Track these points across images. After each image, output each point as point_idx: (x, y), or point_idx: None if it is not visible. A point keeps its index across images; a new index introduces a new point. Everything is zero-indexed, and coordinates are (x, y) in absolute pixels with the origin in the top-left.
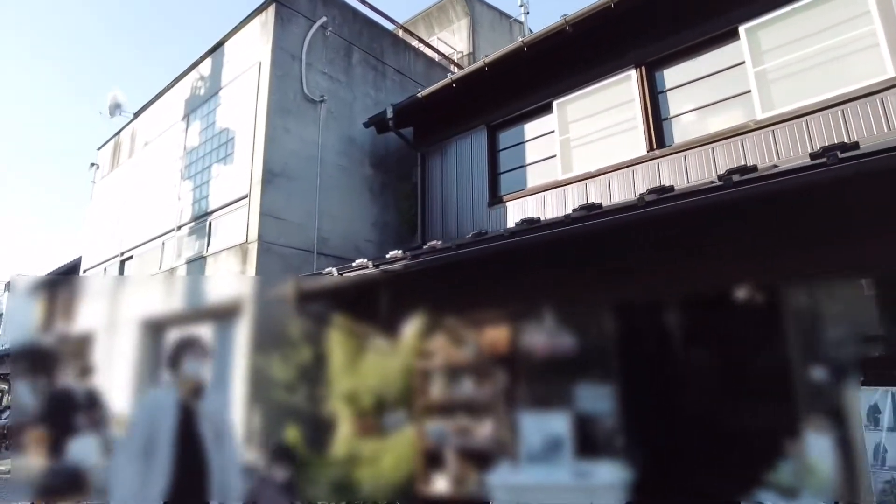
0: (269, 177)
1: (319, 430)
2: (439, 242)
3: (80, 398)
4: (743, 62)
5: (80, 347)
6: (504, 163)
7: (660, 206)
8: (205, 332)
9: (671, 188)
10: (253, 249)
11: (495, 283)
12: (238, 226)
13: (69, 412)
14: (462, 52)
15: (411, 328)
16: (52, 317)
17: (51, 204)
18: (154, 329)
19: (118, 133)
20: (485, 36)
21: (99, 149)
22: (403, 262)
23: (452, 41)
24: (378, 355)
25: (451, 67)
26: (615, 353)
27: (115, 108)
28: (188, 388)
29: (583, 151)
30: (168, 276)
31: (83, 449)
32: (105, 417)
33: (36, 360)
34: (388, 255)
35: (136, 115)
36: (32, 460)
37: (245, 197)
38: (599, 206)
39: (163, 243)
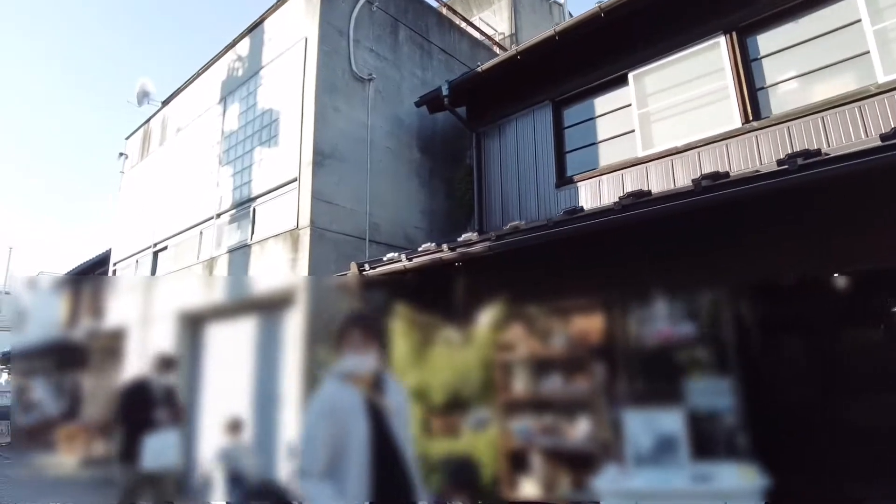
0: (320, 158)
1: None
2: (522, 222)
3: (159, 393)
4: (859, 20)
5: (114, 342)
6: (571, 141)
7: (809, 172)
8: (257, 324)
9: (818, 152)
10: (305, 236)
11: (589, 267)
12: (286, 211)
13: (146, 408)
14: (503, 34)
15: (489, 317)
16: (77, 313)
17: (77, 196)
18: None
19: (147, 121)
20: (526, 17)
21: (127, 138)
22: (486, 244)
23: (493, 21)
24: (450, 347)
25: (495, 48)
26: (737, 343)
27: (144, 96)
28: (367, 384)
29: (665, 126)
30: (208, 267)
31: (161, 446)
32: (184, 413)
33: (65, 356)
34: (461, 238)
35: (166, 102)
36: (65, 458)
37: (294, 181)
38: (726, 174)
39: (200, 232)
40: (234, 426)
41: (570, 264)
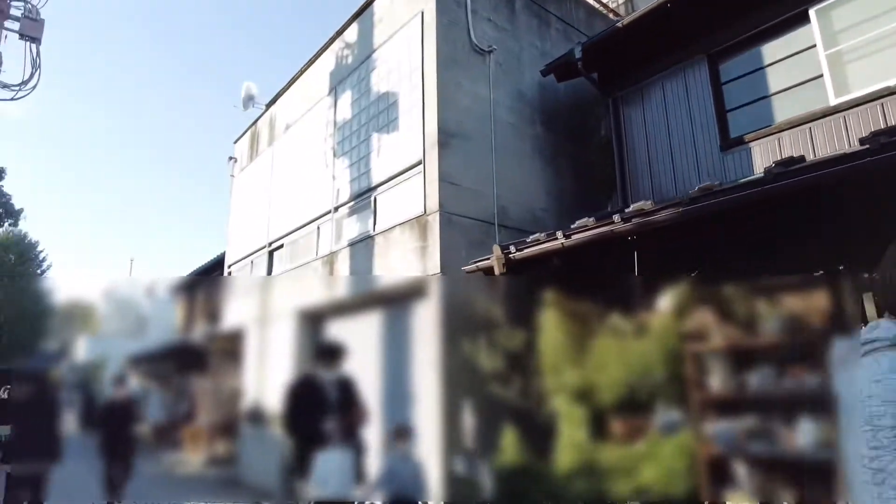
0: (446, 138)
1: (535, 431)
2: (718, 182)
3: (329, 392)
4: None
5: (231, 344)
6: (733, 98)
7: None
8: (385, 320)
9: None
10: (434, 221)
11: (807, 235)
12: (410, 198)
13: (317, 412)
14: (618, 0)
15: (672, 300)
16: (194, 317)
17: (190, 204)
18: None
19: (254, 123)
20: None
21: (235, 142)
22: (673, 210)
23: None
24: (621, 338)
25: (610, 16)
26: None
27: (249, 100)
28: None
29: (863, 66)
30: (328, 262)
31: (331, 467)
32: (366, 416)
33: (185, 358)
34: (633, 208)
35: (272, 102)
36: (191, 456)
37: (418, 164)
38: None
39: (318, 228)
40: (402, 434)
41: (784, 230)
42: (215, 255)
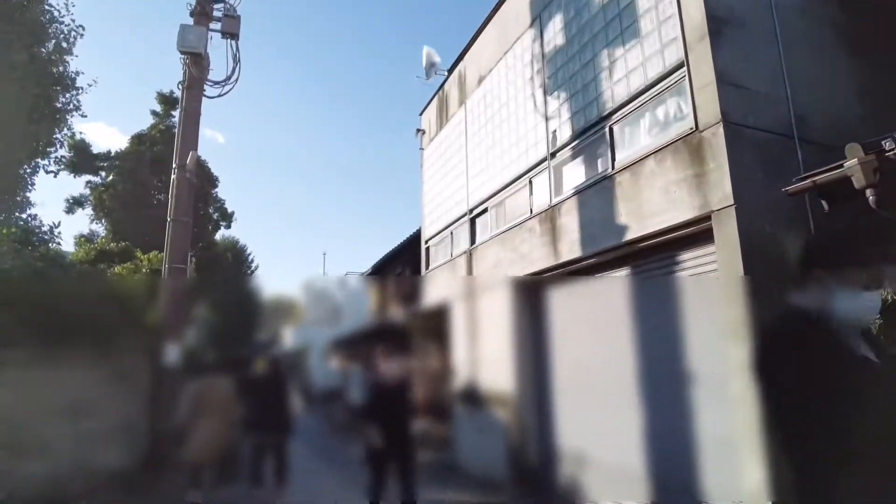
0: (716, 26)
1: None
2: None
3: None
4: None
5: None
6: None
7: None
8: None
9: None
10: (715, 138)
11: None
12: (669, 114)
13: None
14: None
15: None
16: (386, 305)
17: (379, 189)
18: None
19: (440, 87)
20: None
21: (421, 113)
22: None
23: None
24: None
25: None
26: None
27: (431, 67)
28: None
29: None
30: (547, 219)
31: None
32: None
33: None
34: None
35: (458, 59)
36: None
37: (679, 67)
38: None
39: (529, 182)
40: None
41: None
42: (409, 235)
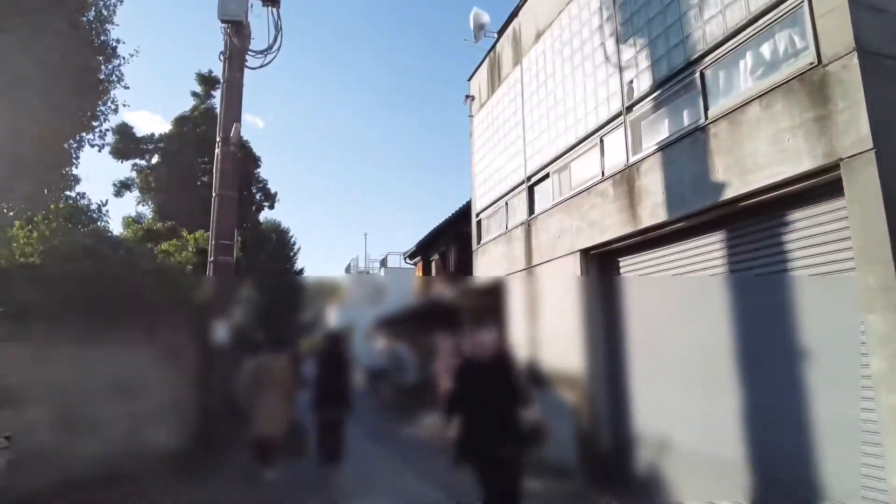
0: None
1: None
2: None
3: None
4: None
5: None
6: None
7: None
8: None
9: None
10: (844, 72)
11: None
12: (780, 50)
13: None
14: None
15: None
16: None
17: (421, 167)
18: None
19: (491, 49)
20: None
21: (470, 78)
22: None
23: None
24: None
25: None
26: None
27: (480, 29)
28: None
29: None
30: (623, 180)
31: None
32: None
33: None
34: None
35: (511, 16)
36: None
37: None
38: None
39: (600, 141)
40: None
41: None
42: (458, 208)
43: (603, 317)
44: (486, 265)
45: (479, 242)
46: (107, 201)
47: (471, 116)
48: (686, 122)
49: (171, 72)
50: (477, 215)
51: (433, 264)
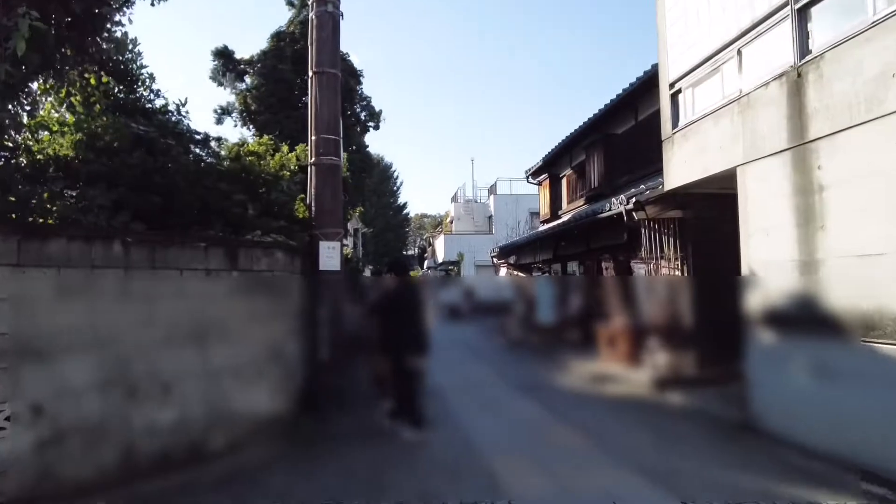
0: None
1: None
2: None
3: None
4: None
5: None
6: None
7: None
8: None
9: None
10: None
11: None
12: None
13: None
14: None
15: None
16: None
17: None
18: None
19: None
20: None
21: None
22: None
23: None
24: None
25: None
26: None
27: None
28: None
29: None
30: None
31: None
32: None
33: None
34: None
35: None
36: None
37: None
38: None
39: None
40: None
41: None
42: (637, 77)
43: None
44: (691, 158)
45: (674, 126)
46: (186, 100)
47: None
48: None
49: None
50: (673, 84)
51: (564, 181)
